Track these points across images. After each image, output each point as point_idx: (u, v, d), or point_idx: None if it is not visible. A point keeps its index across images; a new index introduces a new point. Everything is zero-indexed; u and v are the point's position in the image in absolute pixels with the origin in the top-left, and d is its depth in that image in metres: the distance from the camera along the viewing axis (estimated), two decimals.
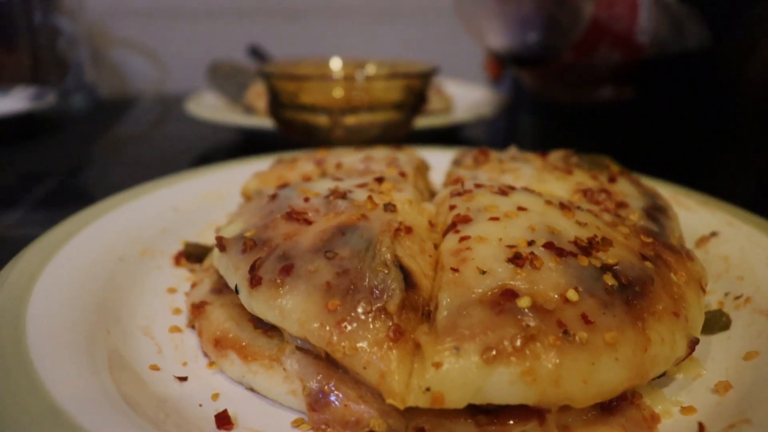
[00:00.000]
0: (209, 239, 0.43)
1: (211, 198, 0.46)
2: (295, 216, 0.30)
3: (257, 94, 0.82)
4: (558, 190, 0.36)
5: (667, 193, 0.45)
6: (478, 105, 0.88)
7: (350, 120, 0.52)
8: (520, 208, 0.30)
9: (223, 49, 1.22)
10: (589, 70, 0.69)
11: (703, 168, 0.73)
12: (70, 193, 0.64)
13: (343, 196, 0.31)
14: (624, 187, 0.37)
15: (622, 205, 0.35)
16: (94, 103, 1.10)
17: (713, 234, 0.40)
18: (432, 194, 0.45)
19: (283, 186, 0.38)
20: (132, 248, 0.38)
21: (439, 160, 0.52)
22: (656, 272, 0.28)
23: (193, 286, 0.36)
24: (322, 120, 0.52)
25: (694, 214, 0.42)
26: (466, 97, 0.93)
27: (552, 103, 0.99)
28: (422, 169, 0.43)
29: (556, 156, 0.42)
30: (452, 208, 0.31)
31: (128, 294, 0.35)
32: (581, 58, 0.66)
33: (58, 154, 0.79)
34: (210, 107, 0.84)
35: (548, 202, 0.31)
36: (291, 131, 0.55)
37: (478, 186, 0.33)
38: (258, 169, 0.49)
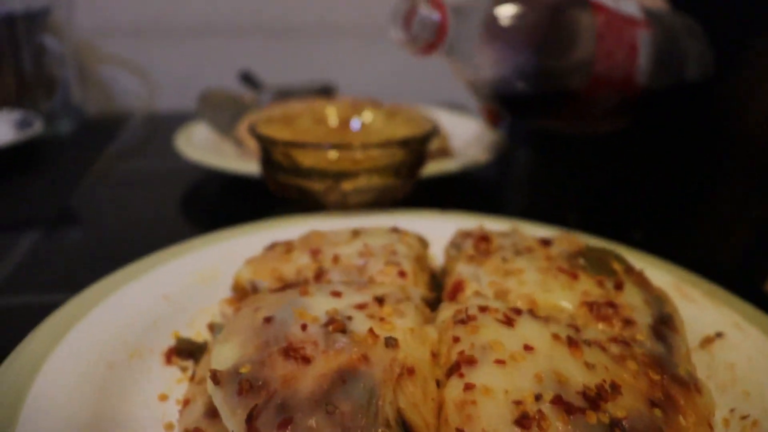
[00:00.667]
0: (202, 325, 0.42)
1: (203, 279, 0.45)
2: (293, 353, 0.29)
3: (247, 128, 0.80)
4: (564, 300, 0.35)
5: (672, 279, 0.44)
6: (475, 141, 0.87)
7: (346, 185, 0.50)
8: (527, 347, 0.29)
9: (214, 68, 1.20)
10: (585, 115, 0.67)
11: (695, 213, 0.73)
12: (56, 246, 0.62)
13: (343, 329, 0.30)
14: (630, 298, 0.36)
15: (629, 322, 0.34)
16: (81, 124, 1.07)
17: (719, 335, 0.39)
18: (432, 276, 0.44)
19: (284, 288, 0.37)
20: (121, 351, 0.37)
21: (439, 229, 0.51)
22: (665, 421, 0.27)
23: (185, 403, 0.34)
24: (316, 185, 0.50)
25: (699, 309, 0.41)
26: (461, 130, 0.92)
27: (545, 137, 0.98)
28: (422, 259, 0.42)
29: (560, 250, 0.41)
30: (456, 340, 0.30)
31: (118, 405, 0.34)
32: (580, 108, 0.65)
33: (44, 192, 0.76)
34: (200, 142, 0.82)
35: (556, 337, 0.30)
36: (284, 192, 0.53)
37: (482, 310, 0.32)
38: (250, 244, 0.47)
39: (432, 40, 0.53)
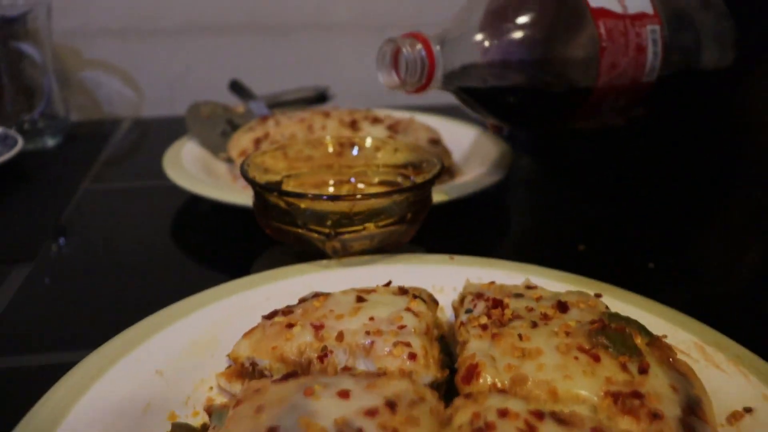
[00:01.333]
0: (199, 402, 0.40)
1: (198, 348, 0.42)
2: None
3: (238, 151, 0.77)
4: (586, 390, 0.33)
5: (695, 339, 0.42)
6: (478, 154, 0.84)
7: (347, 235, 0.48)
8: None
9: (204, 69, 1.16)
10: (594, 117, 0.64)
11: (709, 229, 0.70)
12: (42, 294, 0.59)
13: None
14: (656, 383, 0.33)
15: (656, 416, 0.31)
16: (65, 135, 1.03)
17: (747, 410, 0.37)
18: (442, 339, 0.42)
19: (287, 377, 0.34)
20: None
21: (448, 278, 0.49)
22: None
23: None
24: (315, 234, 0.48)
25: (725, 378, 0.39)
26: (462, 141, 0.89)
27: (548, 147, 0.95)
28: (432, 329, 0.39)
29: (579, 316, 0.38)
30: None
31: None
32: (587, 118, 0.62)
33: (26, 225, 0.73)
34: (190, 162, 0.78)
35: None
36: (281, 237, 0.51)
37: (502, 414, 0.29)
38: (247, 304, 0.45)
39: (423, 79, 0.51)
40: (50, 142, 1.01)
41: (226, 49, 1.16)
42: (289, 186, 0.59)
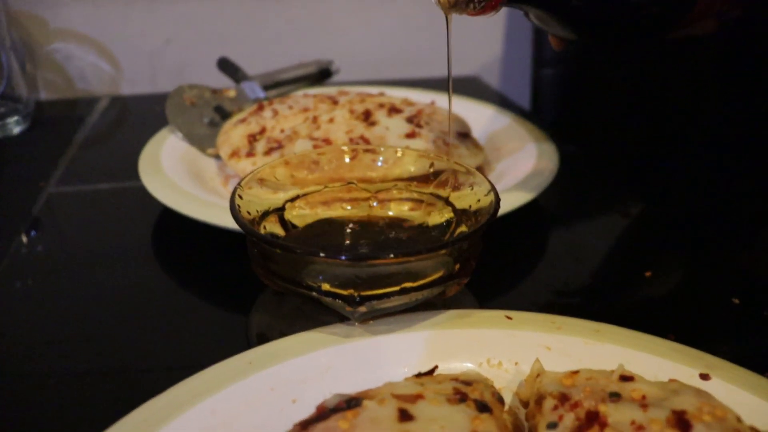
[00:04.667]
0: None
1: None
2: None
3: (229, 151, 0.65)
4: None
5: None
6: (510, 143, 0.72)
7: (375, 302, 0.36)
8: None
9: (188, 39, 1.02)
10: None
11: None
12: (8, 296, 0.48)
13: None
14: None
15: None
16: (32, 119, 0.90)
17: None
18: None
19: None
20: None
21: (508, 348, 0.37)
22: None
23: None
24: (334, 300, 0.36)
25: None
26: (484, 123, 0.76)
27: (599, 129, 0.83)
28: None
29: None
30: None
31: None
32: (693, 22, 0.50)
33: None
34: (171, 162, 0.66)
35: None
36: (290, 294, 0.39)
37: None
38: (259, 395, 0.34)
39: None
40: (14, 128, 0.88)
41: (212, 16, 1.02)
42: (293, 211, 0.47)
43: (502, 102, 1.01)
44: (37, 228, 0.64)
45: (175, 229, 0.61)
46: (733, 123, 0.71)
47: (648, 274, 0.54)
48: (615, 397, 0.31)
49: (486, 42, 1.14)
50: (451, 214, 0.44)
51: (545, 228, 0.63)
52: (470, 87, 1.07)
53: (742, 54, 0.66)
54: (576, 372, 0.33)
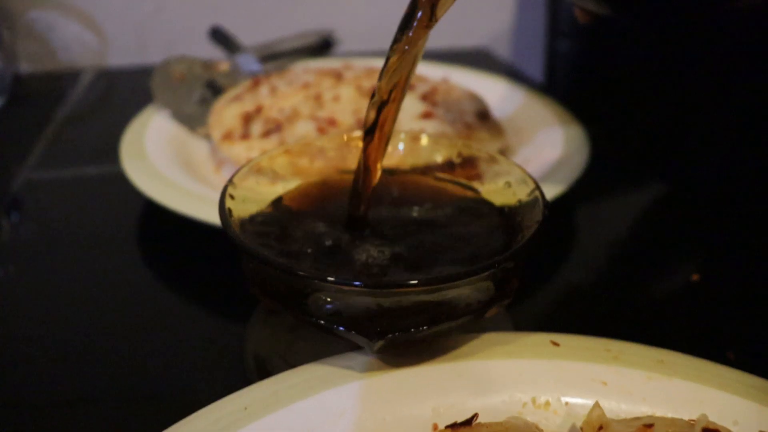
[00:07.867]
0: None
1: None
2: None
3: (222, 131, 0.58)
4: None
5: None
6: (532, 124, 0.65)
7: (401, 332, 0.30)
8: None
9: (178, 7, 0.94)
10: None
11: None
12: None
13: None
14: None
15: None
16: (10, 92, 0.83)
17: None
18: None
19: None
20: None
21: (558, 383, 0.31)
22: None
23: None
24: (344, 331, 0.30)
25: None
26: (504, 103, 0.69)
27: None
28: None
29: None
30: None
31: None
32: None
33: None
34: (157, 146, 0.59)
35: None
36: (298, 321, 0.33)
37: None
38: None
39: None
40: None
41: None
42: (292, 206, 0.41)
43: (515, 76, 0.94)
44: (11, 216, 0.58)
45: (164, 220, 0.54)
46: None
47: (695, 277, 0.48)
48: None
49: (496, 10, 1.06)
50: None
51: (573, 224, 0.57)
52: (479, 59, 0.99)
53: None
54: (650, 426, 0.26)
